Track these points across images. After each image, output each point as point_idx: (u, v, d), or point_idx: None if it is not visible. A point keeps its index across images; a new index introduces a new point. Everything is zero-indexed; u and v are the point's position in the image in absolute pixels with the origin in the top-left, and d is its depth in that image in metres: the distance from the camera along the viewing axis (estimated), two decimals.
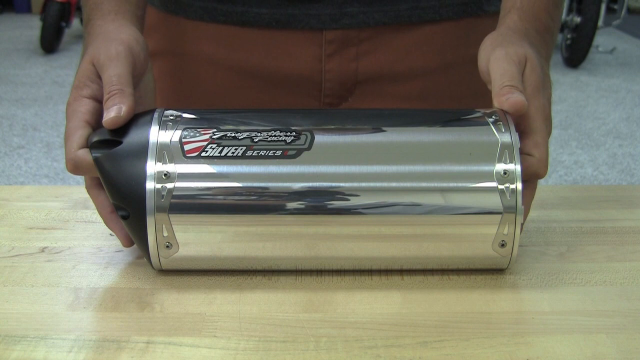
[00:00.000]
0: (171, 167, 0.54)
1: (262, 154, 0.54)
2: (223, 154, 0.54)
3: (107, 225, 0.59)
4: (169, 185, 0.54)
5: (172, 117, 0.57)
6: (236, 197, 0.54)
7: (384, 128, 0.57)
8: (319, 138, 0.55)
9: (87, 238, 0.65)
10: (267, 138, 0.55)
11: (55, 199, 0.73)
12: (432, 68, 0.78)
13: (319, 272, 0.59)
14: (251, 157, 0.54)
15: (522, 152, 0.57)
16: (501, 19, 0.67)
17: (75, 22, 4.90)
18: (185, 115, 0.58)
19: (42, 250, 0.63)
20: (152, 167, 0.54)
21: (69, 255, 0.62)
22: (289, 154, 0.54)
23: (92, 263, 0.61)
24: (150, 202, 0.54)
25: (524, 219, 0.57)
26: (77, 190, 0.74)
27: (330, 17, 0.74)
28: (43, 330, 0.51)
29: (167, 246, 0.55)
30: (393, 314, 0.53)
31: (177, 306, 0.54)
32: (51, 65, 4.59)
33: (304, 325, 0.52)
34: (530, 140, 0.58)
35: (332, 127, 0.58)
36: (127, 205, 0.55)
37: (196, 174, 0.54)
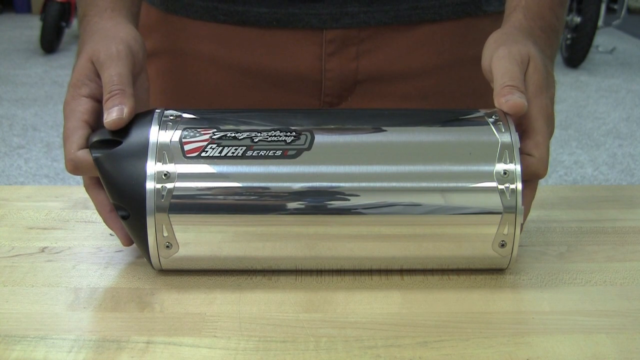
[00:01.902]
0: (171, 167, 0.54)
1: (262, 154, 0.54)
2: (223, 154, 0.54)
3: (106, 224, 0.59)
4: (169, 185, 0.54)
5: (172, 117, 0.57)
6: (236, 197, 0.54)
7: (384, 128, 0.57)
8: (319, 138, 0.55)
9: (87, 238, 0.65)
10: (267, 138, 0.55)
11: (55, 199, 0.73)
12: (432, 67, 0.78)
13: (319, 272, 0.59)
14: (251, 157, 0.54)
15: (523, 152, 0.57)
16: (506, 17, 0.67)
17: (75, 22, 4.88)
18: (185, 115, 0.58)
19: (42, 250, 0.63)
20: (152, 167, 0.54)
21: (69, 255, 0.62)
22: (289, 154, 0.54)
23: (92, 263, 0.61)
24: (150, 202, 0.54)
25: (524, 219, 0.57)
26: (77, 190, 0.74)
27: (331, 16, 0.74)
28: (43, 330, 0.51)
29: (167, 246, 0.55)
30: (393, 314, 0.53)
31: (177, 306, 0.54)
32: (51, 65, 4.59)
33: (304, 325, 0.52)
34: (530, 140, 0.58)
35: (332, 127, 0.58)
36: (127, 205, 0.55)
37: (196, 174, 0.54)
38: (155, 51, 0.79)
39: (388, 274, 0.59)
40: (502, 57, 0.59)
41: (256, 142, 0.55)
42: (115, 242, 0.63)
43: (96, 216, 0.68)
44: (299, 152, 0.54)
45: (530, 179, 0.58)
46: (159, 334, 0.50)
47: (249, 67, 0.77)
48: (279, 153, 0.54)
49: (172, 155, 0.54)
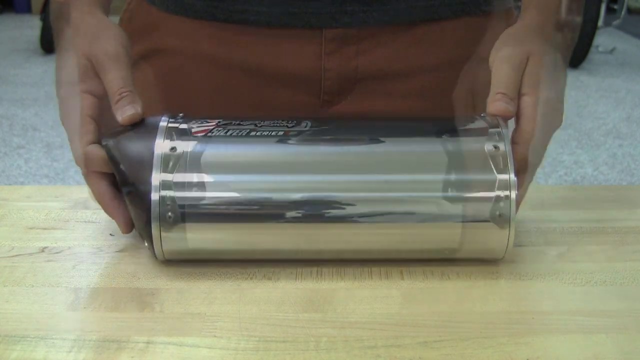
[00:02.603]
0: (179, 143, 0.56)
1: (265, 134, 0.57)
2: (228, 134, 0.57)
3: (106, 212, 0.60)
4: (175, 157, 0.55)
5: (179, 114, 0.60)
6: (241, 172, 0.56)
7: (381, 139, 0.59)
8: (318, 143, 0.59)
9: (87, 238, 0.65)
10: (270, 124, 0.59)
11: (55, 199, 0.73)
12: (432, 67, 0.78)
13: (319, 272, 0.59)
14: (254, 136, 0.57)
15: (512, 141, 0.59)
16: (521, 12, 0.69)
17: None
18: (191, 115, 0.60)
19: (42, 250, 0.63)
20: (160, 144, 0.56)
21: (69, 255, 0.62)
22: (291, 134, 0.58)
23: (92, 263, 0.61)
24: (156, 173, 0.55)
25: (521, 197, 0.59)
26: (77, 190, 0.74)
27: (330, 15, 0.74)
28: (43, 330, 0.51)
29: (170, 217, 0.55)
30: (393, 314, 0.53)
31: (177, 306, 0.54)
32: (51, 65, 4.54)
33: (304, 325, 0.52)
34: (517, 128, 0.59)
35: (329, 137, 0.59)
36: (134, 177, 0.56)
37: (203, 149, 0.56)
38: (155, 51, 0.79)
39: (388, 274, 0.59)
40: (502, 59, 0.61)
41: (259, 126, 0.58)
42: (115, 242, 0.63)
43: (96, 216, 0.68)
44: (299, 133, 0.58)
45: (520, 166, 0.59)
46: (159, 334, 0.50)
47: (249, 67, 0.77)
48: (281, 133, 0.58)
49: (180, 135, 0.57)
